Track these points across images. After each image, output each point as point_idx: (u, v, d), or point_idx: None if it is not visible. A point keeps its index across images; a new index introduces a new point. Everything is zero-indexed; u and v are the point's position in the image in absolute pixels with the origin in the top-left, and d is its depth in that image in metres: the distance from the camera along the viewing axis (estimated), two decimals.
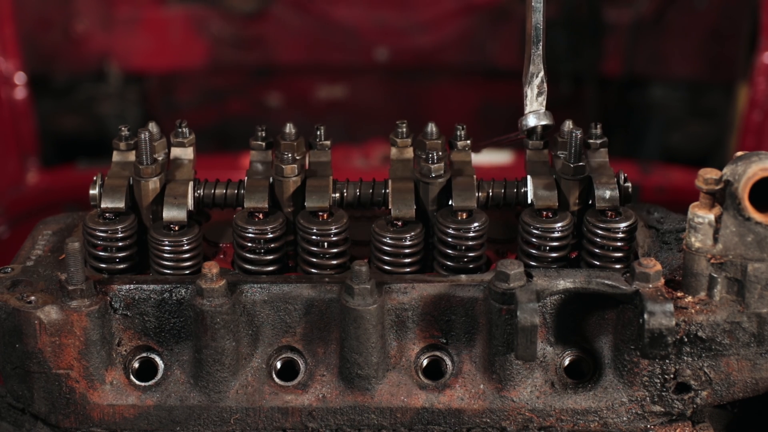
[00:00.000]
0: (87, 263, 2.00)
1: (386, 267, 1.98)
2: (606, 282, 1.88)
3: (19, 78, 3.92)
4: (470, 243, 1.96)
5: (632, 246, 2.00)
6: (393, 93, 4.68)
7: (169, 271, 1.98)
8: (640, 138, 4.59)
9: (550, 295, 1.89)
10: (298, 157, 2.05)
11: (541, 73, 2.02)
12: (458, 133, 2.15)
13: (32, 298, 1.91)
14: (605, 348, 1.95)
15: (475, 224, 1.96)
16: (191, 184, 2.05)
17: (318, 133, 2.15)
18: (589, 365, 1.96)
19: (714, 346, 1.89)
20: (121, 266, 2.00)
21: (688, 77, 4.53)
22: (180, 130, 2.15)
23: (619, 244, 1.96)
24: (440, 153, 2.05)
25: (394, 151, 2.14)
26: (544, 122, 2.04)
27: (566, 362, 1.96)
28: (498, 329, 1.88)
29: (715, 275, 1.87)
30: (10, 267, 2.00)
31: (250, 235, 1.96)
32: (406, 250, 1.97)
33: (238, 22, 4.49)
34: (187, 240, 1.97)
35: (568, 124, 2.10)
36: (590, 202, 2.02)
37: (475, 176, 2.05)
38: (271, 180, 2.04)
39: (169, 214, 2.00)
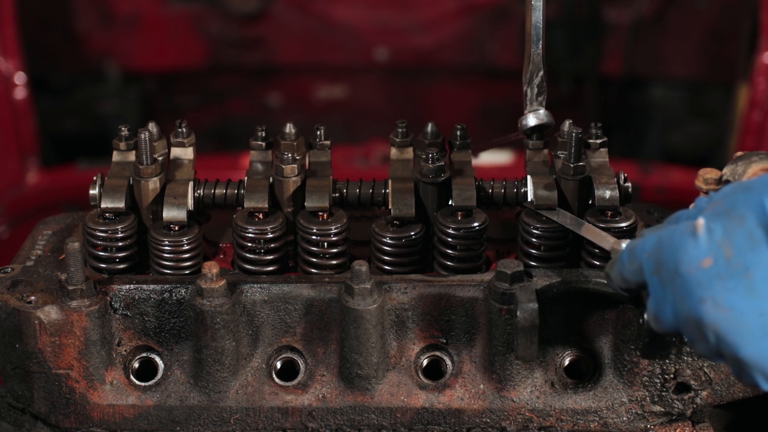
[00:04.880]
0: (87, 263, 2.00)
1: (386, 267, 1.98)
2: (606, 282, 1.88)
3: (19, 78, 3.92)
4: (470, 243, 1.96)
5: None
6: (393, 93, 4.68)
7: (169, 271, 1.98)
8: (640, 138, 4.60)
9: (550, 295, 1.89)
10: (298, 157, 2.05)
11: (541, 73, 2.02)
12: (458, 133, 2.16)
13: (32, 298, 1.91)
14: (605, 348, 1.95)
15: (475, 224, 1.96)
16: (191, 184, 2.05)
17: (318, 133, 2.15)
18: (589, 365, 1.96)
19: None
20: (121, 266, 2.00)
21: (688, 77, 4.53)
22: (180, 130, 2.15)
23: None
24: (440, 153, 2.05)
25: (394, 151, 2.14)
26: (543, 122, 2.04)
27: (566, 362, 1.96)
28: (498, 329, 1.88)
29: None
30: (10, 267, 2.00)
31: (250, 235, 1.96)
32: (406, 250, 1.97)
33: (238, 22, 4.49)
34: (187, 240, 1.97)
35: (568, 124, 2.10)
36: (590, 202, 2.02)
37: (475, 176, 2.05)
38: (271, 180, 2.04)
39: (169, 214, 2.00)
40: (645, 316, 1.66)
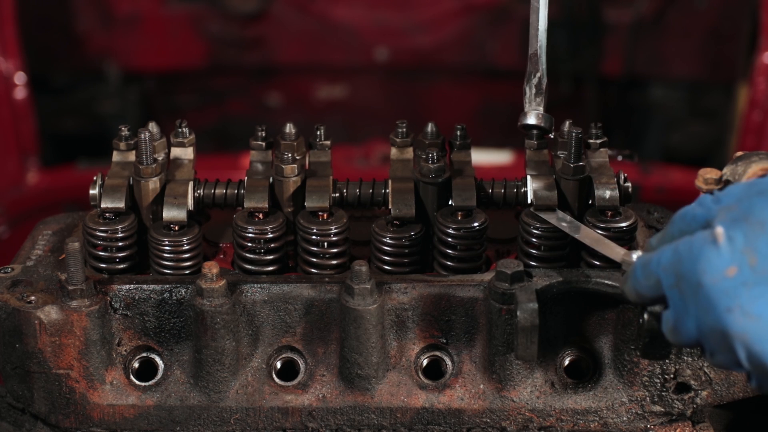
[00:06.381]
0: (87, 263, 2.00)
1: (386, 267, 1.98)
2: (606, 282, 1.88)
3: (19, 78, 3.92)
4: (470, 243, 1.96)
5: (632, 246, 1.99)
6: (393, 93, 4.68)
7: (169, 271, 1.98)
8: (640, 138, 4.60)
9: (550, 295, 1.89)
10: (298, 157, 2.05)
11: (539, 74, 2.02)
12: (458, 133, 2.16)
13: (32, 298, 1.91)
14: (605, 348, 1.95)
15: (475, 224, 1.96)
16: (191, 184, 2.05)
17: (318, 133, 2.15)
18: (589, 365, 1.96)
19: None
20: (121, 266, 2.00)
21: (688, 77, 4.53)
22: (180, 130, 2.15)
23: (619, 244, 1.95)
24: (440, 153, 2.05)
25: (394, 151, 2.14)
26: (542, 123, 2.04)
27: (566, 362, 1.96)
28: (498, 329, 1.88)
29: None
30: (10, 267, 2.00)
31: (250, 235, 1.96)
32: (406, 250, 1.97)
33: (238, 22, 4.49)
34: (187, 240, 1.97)
35: (568, 124, 2.10)
36: (590, 202, 2.02)
37: (475, 176, 2.05)
38: (271, 180, 2.04)
39: (169, 214, 2.00)
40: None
